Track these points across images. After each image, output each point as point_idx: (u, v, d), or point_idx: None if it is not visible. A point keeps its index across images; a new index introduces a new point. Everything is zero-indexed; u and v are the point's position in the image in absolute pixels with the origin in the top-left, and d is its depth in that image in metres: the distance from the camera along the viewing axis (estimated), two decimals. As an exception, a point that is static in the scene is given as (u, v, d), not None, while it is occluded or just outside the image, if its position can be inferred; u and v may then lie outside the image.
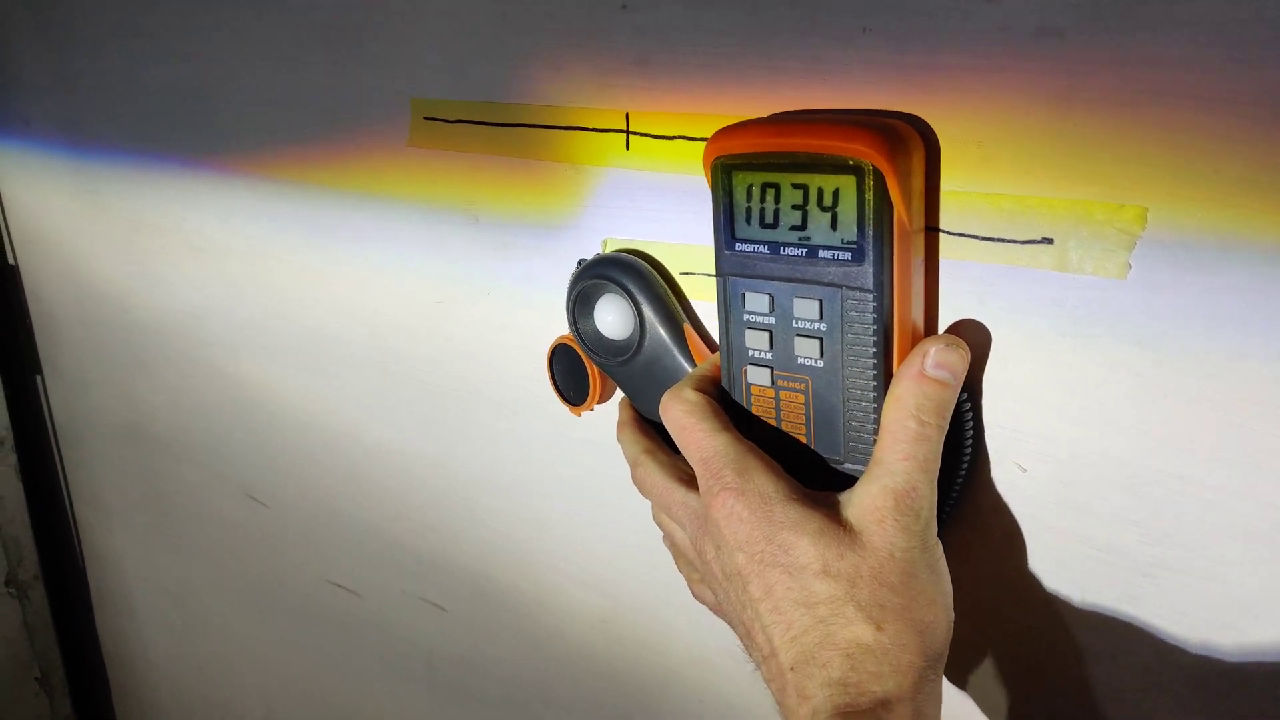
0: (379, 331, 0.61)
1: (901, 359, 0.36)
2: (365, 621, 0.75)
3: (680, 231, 0.44)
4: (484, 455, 0.60)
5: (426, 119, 0.52)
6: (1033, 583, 0.39)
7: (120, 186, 0.74)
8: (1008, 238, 0.35)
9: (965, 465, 0.38)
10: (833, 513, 0.35)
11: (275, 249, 0.65)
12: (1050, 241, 0.34)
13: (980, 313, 0.37)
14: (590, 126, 0.45)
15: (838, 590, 0.34)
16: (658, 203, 0.45)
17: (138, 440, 0.88)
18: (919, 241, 0.36)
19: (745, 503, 0.36)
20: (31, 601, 1.07)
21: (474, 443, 0.60)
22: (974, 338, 0.37)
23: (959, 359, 0.36)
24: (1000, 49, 0.33)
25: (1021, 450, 0.38)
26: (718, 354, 0.42)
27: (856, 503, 0.35)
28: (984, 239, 0.36)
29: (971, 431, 0.38)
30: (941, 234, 0.37)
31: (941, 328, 0.38)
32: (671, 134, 0.43)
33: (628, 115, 0.44)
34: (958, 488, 0.38)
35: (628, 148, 0.44)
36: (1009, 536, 0.39)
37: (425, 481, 0.64)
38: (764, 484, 0.36)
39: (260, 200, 0.64)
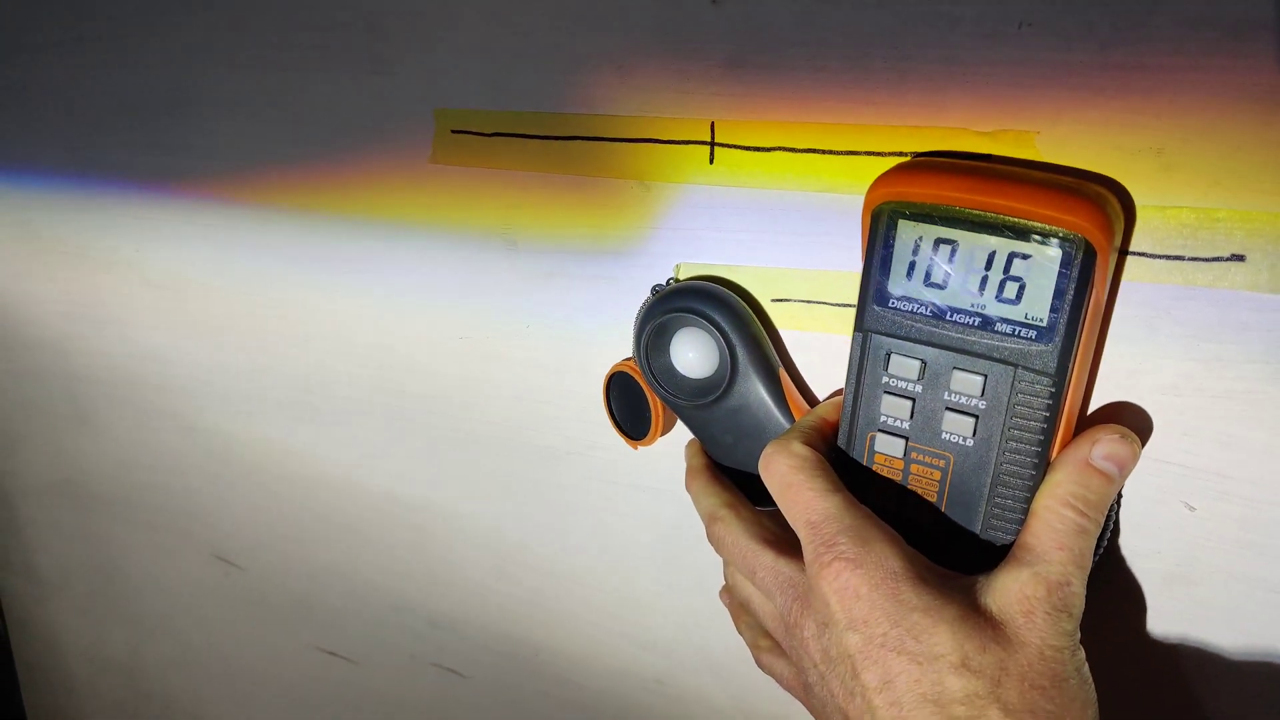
0: (389, 373, 0.54)
1: (1064, 442, 0.32)
2: (363, 690, 0.68)
3: (772, 255, 0.39)
4: (516, 504, 0.53)
5: (454, 132, 0.45)
6: (1198, 627, 0.35)
7: (58, 214, 0.64)
8: (1188, 255, 0.31)
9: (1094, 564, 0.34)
10: (970, 599, 0.31)
11: (255, 283, 0.57)
12: (1242, 259, 0.31)
13: (1150, 339, 0.33)
14: (665, 138, 0.40)
15: (979, 688, 0.29)
16: (745, 223, 0.40)
17: (76, 500, 0.78)
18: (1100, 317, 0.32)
19: (865, 577, 0.31)
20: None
21: (504, 491, 0.53)
22: (1136, 423, 0.34)
23: (1130, 454, 0.32)
24: (1193, 45, 0.29)
25: (1191, 488, 0.34)
26: (824, 406, 0.37)
27: (1001, 589, 0.31)
28: (1157, 257, 0.32)
29: (1111, 532, 0.35)
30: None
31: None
32: (767, 145, 0.38)
33: (713, 125, 0.39)
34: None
35: (711, 161, 0.39)
36: (1169, 580, 0.35)
37: (441, 536, 0.57)
38: (888, 557, 0.31)
39: (235, 227, 0.56)
